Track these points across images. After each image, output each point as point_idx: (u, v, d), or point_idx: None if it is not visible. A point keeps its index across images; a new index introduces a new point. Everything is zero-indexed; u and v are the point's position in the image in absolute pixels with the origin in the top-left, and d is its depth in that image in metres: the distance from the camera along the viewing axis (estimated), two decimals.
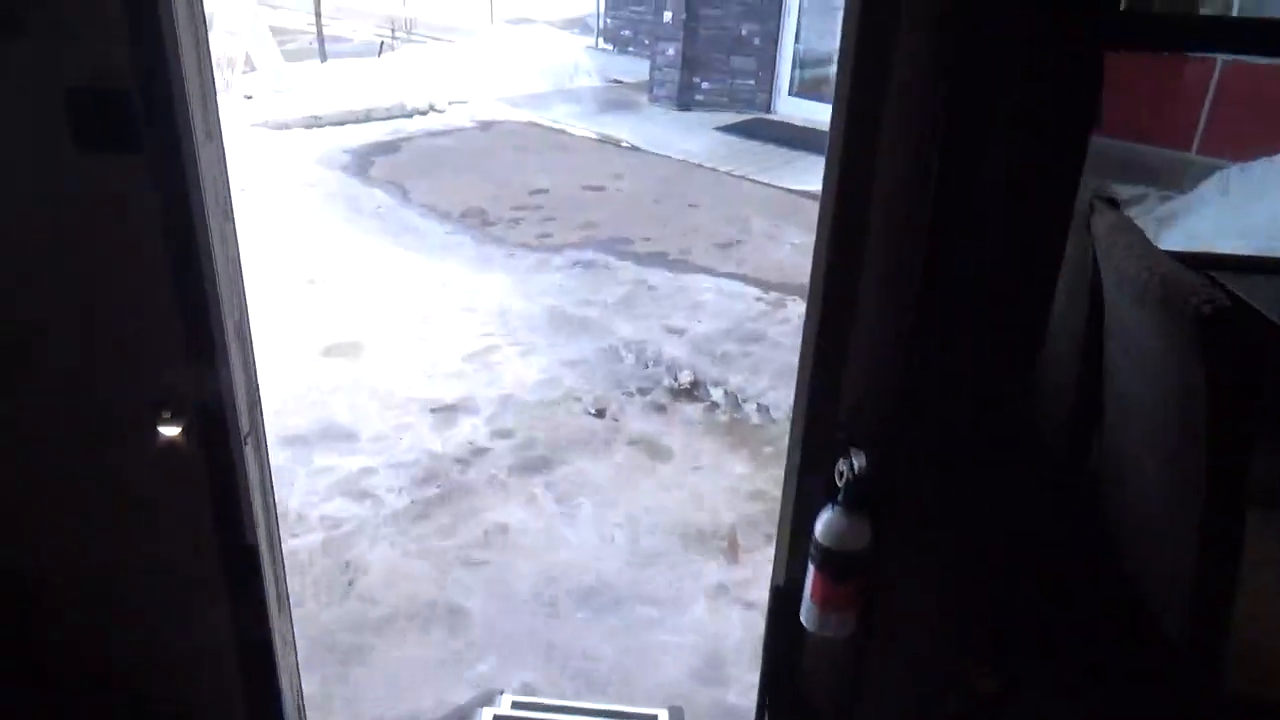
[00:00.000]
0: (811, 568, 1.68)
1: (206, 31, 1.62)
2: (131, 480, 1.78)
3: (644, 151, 9.04)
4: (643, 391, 4.72)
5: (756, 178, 8.35)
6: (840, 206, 1.55)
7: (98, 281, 1.62)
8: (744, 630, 3.20)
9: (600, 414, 4.50)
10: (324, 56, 10.39)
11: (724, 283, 6.06)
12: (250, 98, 9.09)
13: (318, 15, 10.71)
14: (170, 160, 1.50)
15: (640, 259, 6.38)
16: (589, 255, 6.40)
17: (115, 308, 1.64)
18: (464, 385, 4.65)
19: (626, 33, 14.13)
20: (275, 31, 14.98)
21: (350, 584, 3.32)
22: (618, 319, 5.47)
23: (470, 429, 4.30)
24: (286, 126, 8.78)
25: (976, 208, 1.41)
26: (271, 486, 2.04)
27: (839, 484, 1.65)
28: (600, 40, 14.35)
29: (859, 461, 1.58)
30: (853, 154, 1.48)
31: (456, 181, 7.81)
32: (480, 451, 4.14)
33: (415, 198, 7.36)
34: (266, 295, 5.47)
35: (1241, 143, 9.10)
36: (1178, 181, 8.75)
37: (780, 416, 4.55)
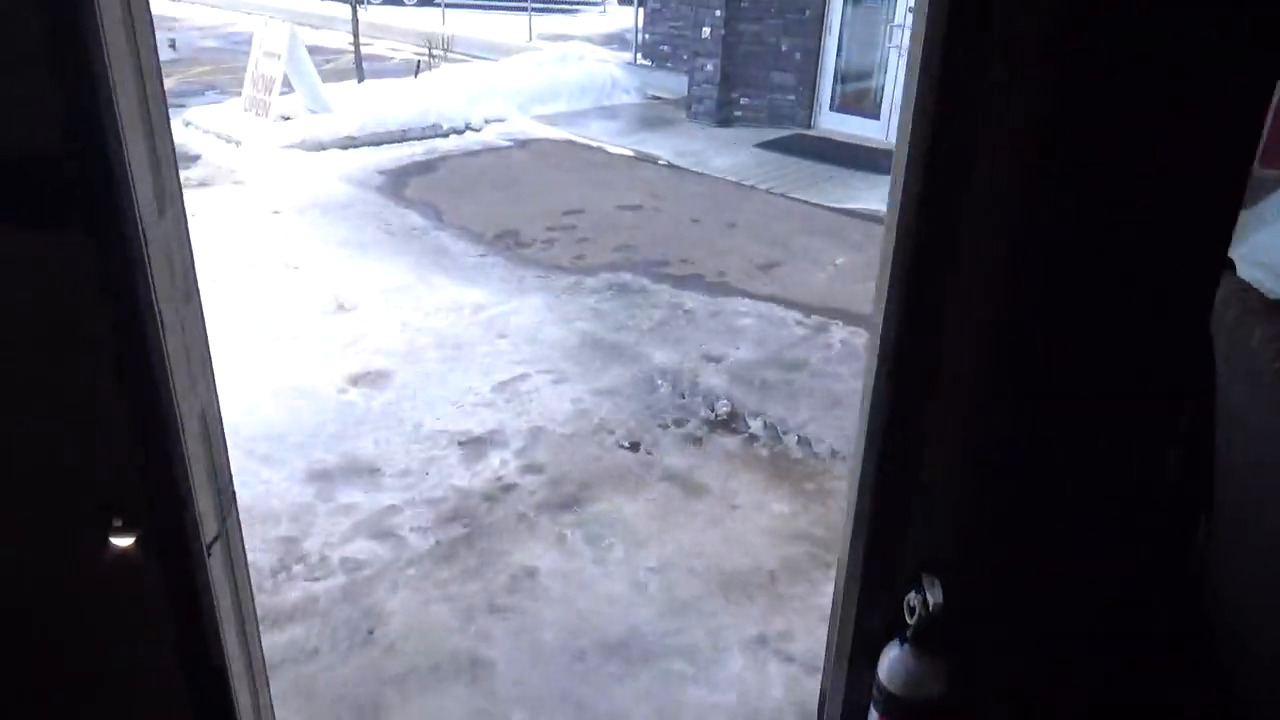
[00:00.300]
0: (874, 714, 1.43)
1: (160, 86, 1.40)
2: (78, 597, 1.54)
3: (682, 169, 8.88)
4: (678, 423, 4.53)
5: (796, 195, 8.15)
6: (912, 283, 1.23)
7: (31, 374, 1.39)
8: (784, 689, 2.99)
9: (634, 447, 4.32)
10: (361, 76, 10.40)
11: (763, 306, 5.86)
12: (288, 119, 9.09)
13: (355, 35, 10.71)
14: (111, 239, 1.28)
15: (677, 281, 6.20)
16: (624, 278, 6.24)
17: (56, 405, 1.41)
18: (494, 417, 4.51)
19: (665, 48, 14.01)
20: (314, 51, 15.09)
21: (370, 632, 3.17)
22: (653, 345, 5.29)
23: (499, 463, 4.14)
24: (322, 147, 8.76)
25: (1096, 284, 1.12)
26: (251, 595, 1.82)
27: (908, 619, 1.38)
28: (639, 56, 14.25)
29: (933, 594, 1.32)
30: (925, 233, 1.20)
31: (491, 201, 7.71)
32: (509, 488, 3.98)
33: (449, 219, 7.26)
34: (294, 322, 5.38)
35: None
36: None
37: (823, 451, 4.34)
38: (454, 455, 4.19)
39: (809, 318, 5.73)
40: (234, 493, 1.72)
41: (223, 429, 1.71)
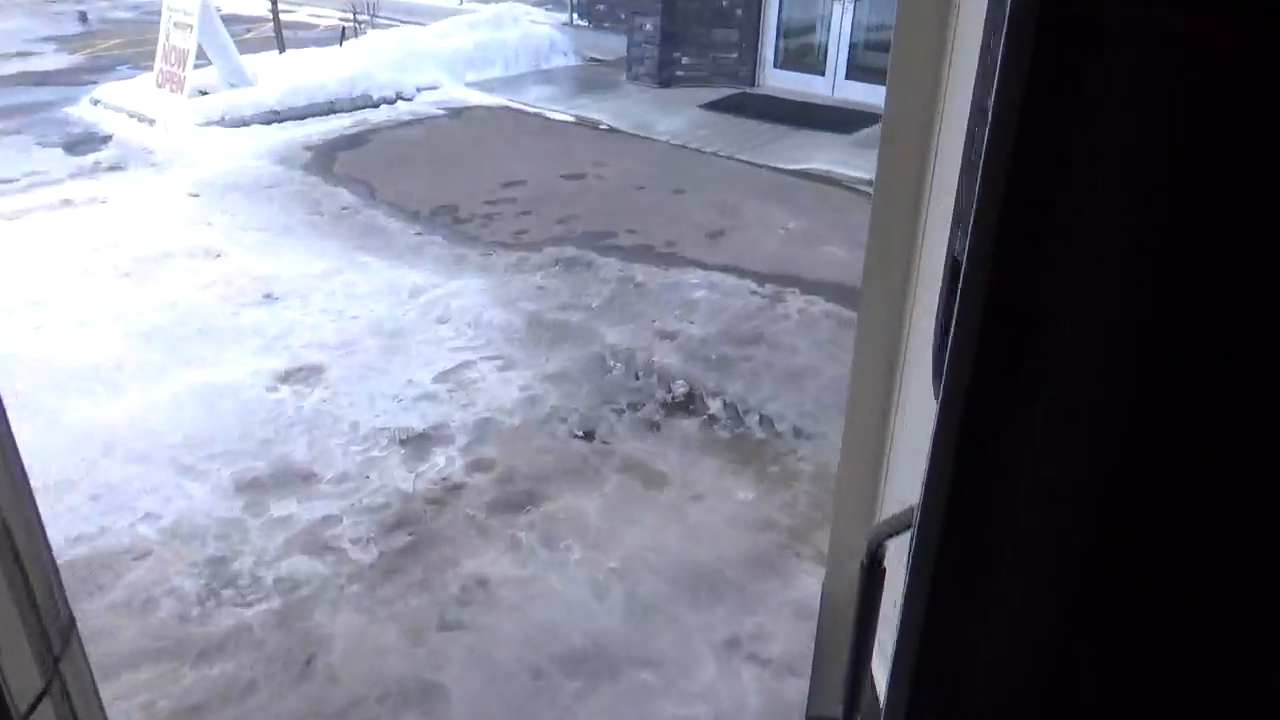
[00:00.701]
0: None
1: None
2: None
3: (624, 134, 8.56)
4: (634, 407, 4.30)
5: (744, 157, 7.90)
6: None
7: None
8: (761, 696, 2.81)
9: (588, 436, 4.08)
10: (283, 46, 9.85)
11: (716, 276, 5.63)
12: (205, 93, 8.57)
13: (274, 1, 10.14)
14: None
15: (625, 253, 5.94)
16: (570, 252, 5.95)
17: None
18: (437, 410, 4.23)
19: (601, 7, 13.56)
20: (231, 20, 14.34)
21: (309, 661, 2.91)
22: (603, 323, 5.04)
23: (445, 462, 3.88)
24: (244, 123, 8.28)
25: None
26: None
27: None
28: (575, 17, 13.79)
29: None
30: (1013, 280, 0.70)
31: (426, 175, 7.34)
32: (456, 488, 3.72)
33: (382, 195, 6.89)
34: (218, 315, 5.02)
35: None
36: None
37: (785, 430, 4.14)
38: (396, 455, 3.91)
39: (763, 287, 5.51)
40: (72, 619, 1.29)
41: (44, 538, 1.26)
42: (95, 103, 8.71)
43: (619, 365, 4.63)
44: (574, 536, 3.47)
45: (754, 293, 5.44)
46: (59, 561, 1.29)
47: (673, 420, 4.22)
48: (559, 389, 4.42)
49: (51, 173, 7.19)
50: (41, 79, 10.26)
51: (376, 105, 9.11)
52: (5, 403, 1.16)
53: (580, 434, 4.09)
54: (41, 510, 1.23)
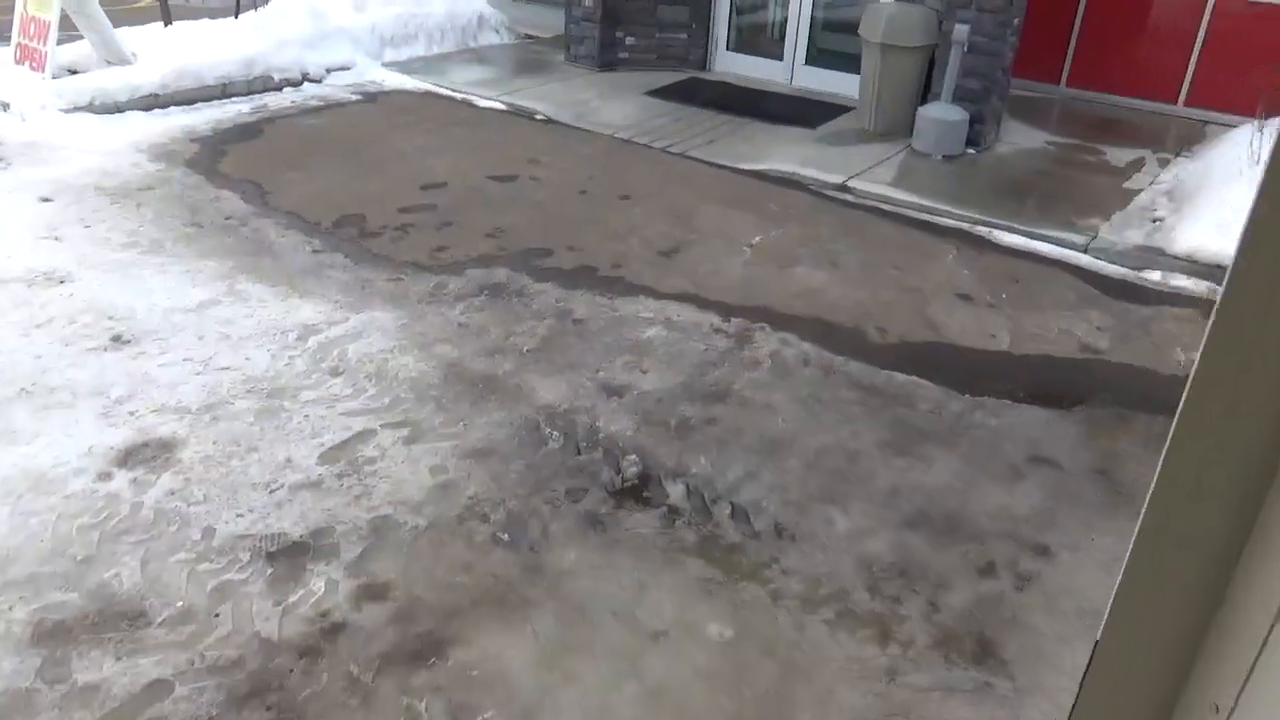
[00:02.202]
0: None
1: None
2: None
3: (563, 125, 7.59)
4: (574, 495, 3.41)
5: (697, 155, 7.00)
6: None
7: None
8: None
9: (515, 543, 3.18)
10: (169, 19, 8.62)
11: (672, 309, 4.75)
12: (74, 73, 7.36)
13: None
14: None
15: (564, 278, 5.02)
16: (499, 275, 5.01)
17: None
18: (320, 506, 3.28)
19: None
20: None
21: None
22: (537, 374, 4.13)
23: (324, 587, 2.94)
24: (119, 109, 7.11)
25: None
26: None
27: None
28: None
29: None
30: None
31: (331, 175, 6.30)
32: (336, 630, 2.80)
33: (276, 201, 5.84)
34: (46, 367, 3.98)
35: (1229, 95, 8.10)
36: (1163, 140, 7.69)
37: (765, 527, 3.29)
38: (258, 579, 2.96)
39: (728, 322, 4.65)
40: None
41: None
42: None
43: (556, 434, 3.73)
44: (495, 706, 2.58)
45: (717, 330, 4.57)
46: None
47: (623, 514, 3.33)
48: (481, 470, 3.51)
49: None
50: None
51: (279, 88, 7.99)
52: None
53: (506, 539, 3.18)
54: None
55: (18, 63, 7.46)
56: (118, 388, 3.88)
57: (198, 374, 4.01)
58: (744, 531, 3.27)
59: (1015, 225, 5.88)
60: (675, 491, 3.45)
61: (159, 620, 2.80)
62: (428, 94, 8.31)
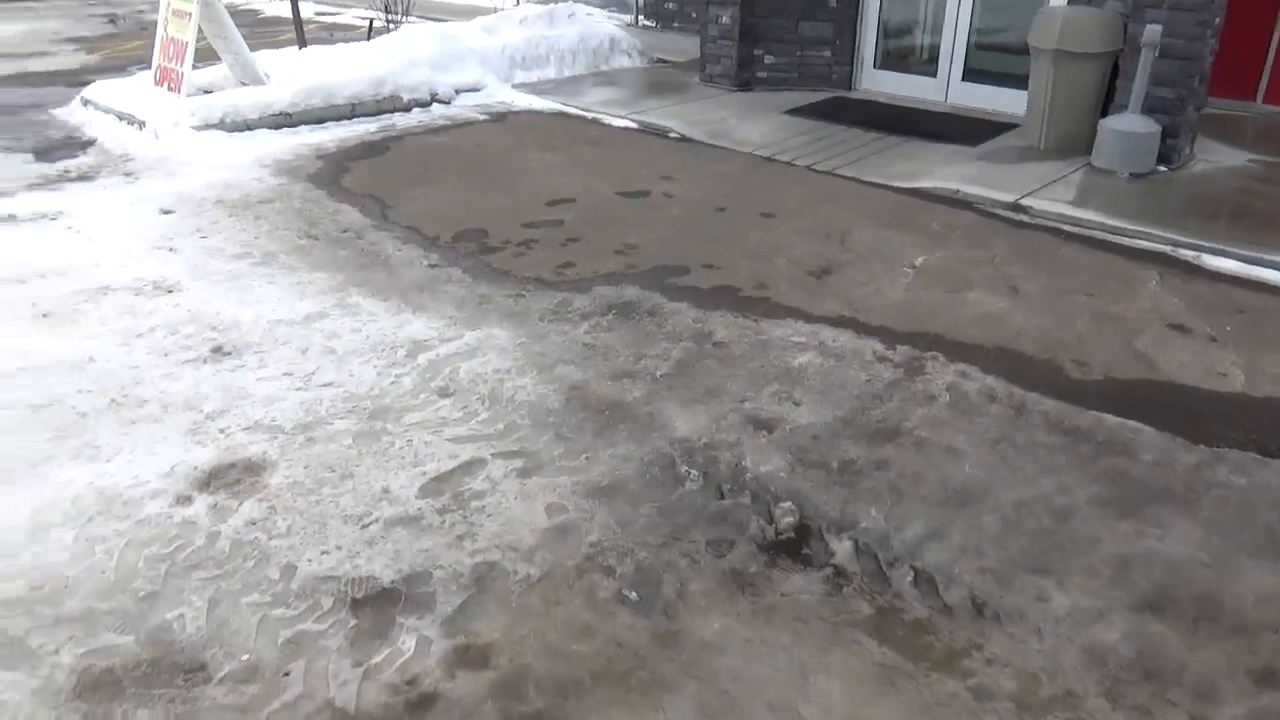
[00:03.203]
0: None
1: None
2: None
3: (698, 143, 7.10)
4: (716, 548, 2.80)
5: (846, 172, 6.37)
6: None
7: None
8: None
9: (645, 605, 2.59)
10: (303, 42, 8.62)
11: (826, 333, 4.11)
12: (208, 93, 7.34)
13: None
14: None
15: (701, 298, 4.46)
16: (628, 293, 4.49)
17: None
18: (417, 545, 2.78)
19: (671, 5, 12.20)
20: (269, 23, 13.34)
21: None
22: (672, 403, 3.55)
23: (414, 647, 2.42)
24: (249, 127, 7.02)
25: None
26: None
27: None
28: (640, 18, 12.44)
29: None
30: None
31: (453, 191, 5.96)
32: (424, 704, 2.26)
33: (395, 216, 5.52)
34: (142, 378, 3.66)
35: None
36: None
37: (957, 600, 2.59)
38: (339, 631, 2.46)
39: (893, 350, 3.97)
40: None
41: None
42: (85, 103, 7.55)
43: (694, 473, 3.14)
44: None
45: (881, 358, 3.90)
46: None
47: (778, 574, 2.70)
48: (605, 511, 2.94)
49: (3, 183, 5.97)
50: (44, 79, 9.19)
51: (407, 109, 7.80)
52: None
53: (634, 599, 2.60)
54: None
55: (157, 84, 7.50)
56: (211, 402, 3.52)
57: (297, 389, 3.61)
58: (932, 605, 2.59)
59: (1229, 249, 5.00)
60: (841, 549, 2.79)
61: (219, 676, 2.32)
62: (557, 113, 7.97)
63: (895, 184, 6.12)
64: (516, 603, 2.57)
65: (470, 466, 3.16)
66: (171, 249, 4.95)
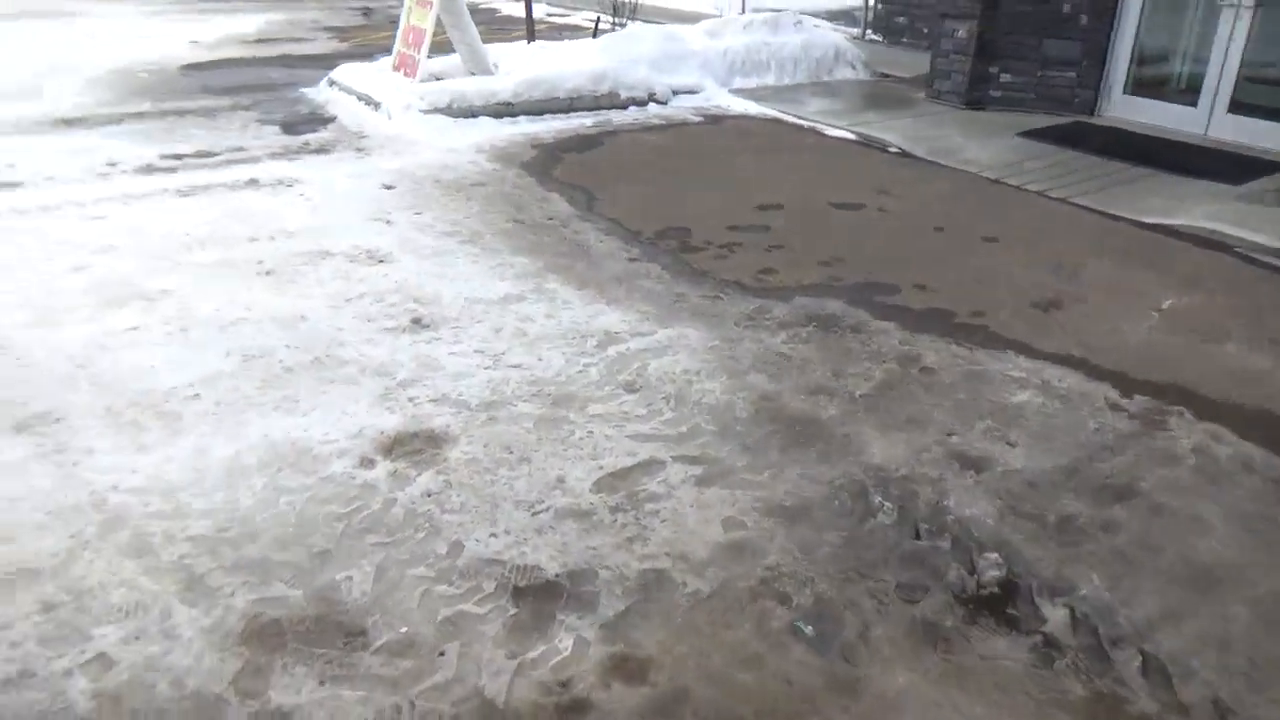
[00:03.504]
0: None
1: None
2: None
3: (919, 160, 6.70)
4: (907, 592, 2.51)
5: (1084, 202, 5.81)
6: None
7: None
8: None
9: (821, 642, 2.34)
10: (532, 36, 8.85)
11: (1051, 371, 3.69)
12: (439, 79, 7.66)
13: None
14: None
15: (910, 319, 4.13)
16: (831, 307, 4.23)
17: None
18: (585, 542, 2.66)
19: (901, 20, 11.73)
20: (501, 21, 13.87)
21: None
22: (869, 426, 3.27)
23: (571, 647, 2.29)
24: (473, 114, 7.24)
25: None
26: None
27: None
28: (868, 32, 12.04)
29: None
30: None
31: (661, 188, 5.88)
32: (575, 710, 2.12)
33: (601, 208, 5.49)
34: (343, 341, 3.76)
35: None
36: None
37: (1195, 698, 2.19)
38: (498, 619, 2.37)
39: (1130, 398, 3.51)
40: None
41: None
42: (331, 84, 8.06)
43: (889, 505, 2.85)
44: None
45: (1114, 406, 3.45)
46: None
47: (977, 633, 2.38)
48: (786, 533, 2.72)
49: (253, 150, 6.42)
50: (300, 62, 9.92)
51: (624, 106, 7.83)
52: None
53: (809, 633, 2.36)
54: None
55: (395, 69, 7.90)
56: (404, 370, 3.56)
57: (486, 368, 3.60)
58: (1163, 700, 2.20)
59: None
60: (1055, 616, 2.44)
61: (377, 645, 2.28)
62: (773, 120, 7.77)
63: (1141, 218, 5.50)
64: (682, 618, 2.39)
65: (648, 466, 3.01)
66: (387, 221, 5.13)
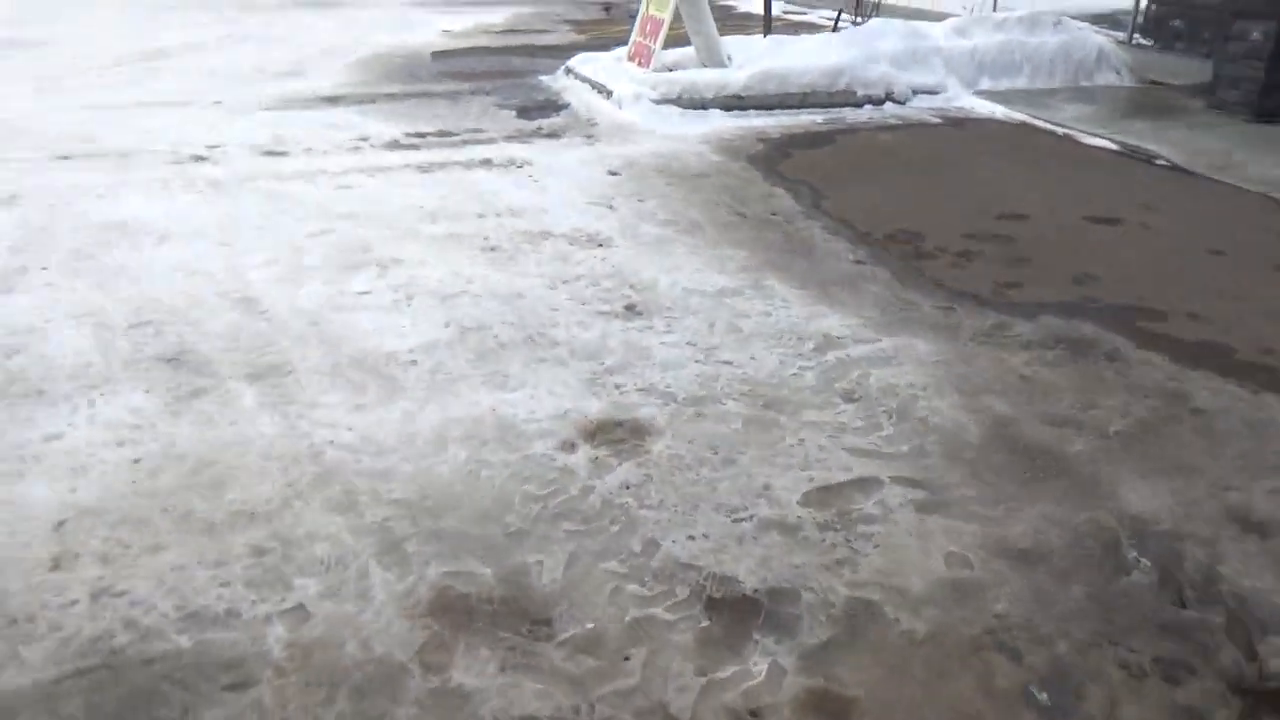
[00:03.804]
0: None
1: None
2: None
3: (1191, 174, 5.95)
4: (1166, 670, 2.12)
5: None
6: None
7: None
8: None
9: (1058, 713, 2.01)
10: (768, 29, 8.65)
11: None
12: (672, 70, 7.62)
13: None
14: None
15: (1180, 352, 3.61)
16: (1083, 329, 3.77)
17: None
18: (789, 559, 2.44)
19: (1177, 23, 10.56)
20: (737, 17, 13.76)
21: None
22: (1126, 469, 2.85)
23: (765, 673, 2.08)
24: (703, 106, 7.15)
25: None
26: None
27: None
28: (1136, 36, 10.95)
29: None
30: None
31: (893, 190, 5.53)
32: None
33: (828, 206, 5.22)
34: (559, 321, 3.73)
35: None
36: None
37: None
38: (689, 629, 2.20)
39: None
40: None
41: None
42: (567, 72, 8.24)
43: (1146, 563, 2.45)
44: None
45: None
46: None
47: None
48: (1020, 579, 2.38)
49: (489, 132, 6.62)
50: (542, 52, 10.23)
51: (859, 104, 7.48)
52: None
53: (1044, 700, 2.03)
54: None
55: (630, 59, 7.95)
56: (613, 356, 3.47)
57: (696, 361, 3.45)
58: None
59: None
60: None
61: (562, 637, 2.17)
62: (1022, 125, 7.18)
63: None
64: (893, 659, 2.13)
65: (864, 484, 2.75)
66: (610, 207, 5.11)
